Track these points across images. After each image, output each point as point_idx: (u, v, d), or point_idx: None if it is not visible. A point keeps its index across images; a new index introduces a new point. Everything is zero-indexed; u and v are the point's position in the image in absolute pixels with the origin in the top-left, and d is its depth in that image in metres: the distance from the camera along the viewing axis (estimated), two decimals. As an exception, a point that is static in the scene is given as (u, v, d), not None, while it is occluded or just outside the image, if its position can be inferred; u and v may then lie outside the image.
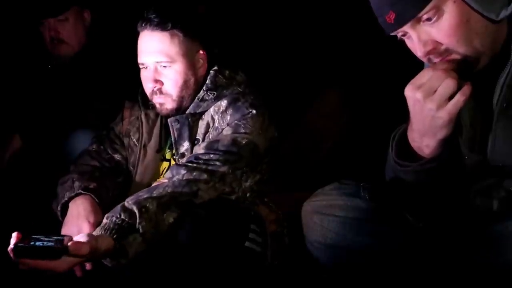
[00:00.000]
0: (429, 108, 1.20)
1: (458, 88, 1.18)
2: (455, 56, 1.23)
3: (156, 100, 1.74)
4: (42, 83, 2.30)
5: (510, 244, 1.20)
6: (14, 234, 1.34)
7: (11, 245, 1.32)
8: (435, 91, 1.19)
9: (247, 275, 1.60)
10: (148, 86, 1.73)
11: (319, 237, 1.43)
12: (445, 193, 1.32)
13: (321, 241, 1.43)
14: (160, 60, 1.69)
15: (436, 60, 1.25)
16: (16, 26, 2.39)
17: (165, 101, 1.73)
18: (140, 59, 1.72)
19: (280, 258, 1.68)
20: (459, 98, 1.18)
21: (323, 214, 1.43)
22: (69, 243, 1.34)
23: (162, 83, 1.71)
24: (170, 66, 1.69)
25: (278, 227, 1.72)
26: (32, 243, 1.32)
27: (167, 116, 1.75)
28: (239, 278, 1.58)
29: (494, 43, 1.24)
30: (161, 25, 1.67)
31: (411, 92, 1.22)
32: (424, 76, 1.21)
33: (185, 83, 1.72)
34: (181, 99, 1.73)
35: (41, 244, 1.32)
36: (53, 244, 1.32)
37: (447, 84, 1.18)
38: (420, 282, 1.34)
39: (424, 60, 1.28)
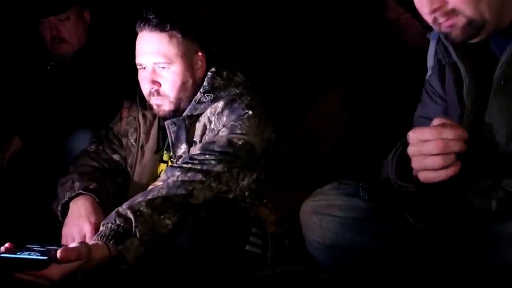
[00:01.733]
0: (412, 164, 1.18)
1: (446, 165, 1.14)
2: (460, 19, 1.22)
3: (154, 101, 1.72)
4: (41, 83, 2.30)
5: (509, 244, 1.20)
6: (6, 244, 1.33)
7: None
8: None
9: (247, 278, 1.60)
10: (145, 87, 1.72)
11: (318, 237, 1.43)
12: (444, 196, 1.31)
13: (320, 241, 1.43)
14: (158, 61, 1.68)
15: (441, 20, 1.24)
16: (16, 26, 2.40)
17: (163, 103, 1.71)
18: (138, 60, 1.71)
19: (280, 259, 1.67)
20: (439, 175, 1.15)
21: (322, 214, 1.43)
22: (58, 250, 1.31)
23: (159, 84, 1.70)
24: (168, 67, 1.68)
25: (278, 228, 1.72)
26: (18, 254, 1.29)
27: (165, 117, 1.74)
28: (240, 281, 1.58)
29: (500, 13, 1.24)
30: (160, 26, 1.66)
31: (410, 139, 1.18)
32: (430, 134, 1.15)
33: (183, 84, 1.71)
34: (178, 100, 1.72)
35: (26, 256, 1.28)
36: (39, 254, 1.29)
37: (434, 161, 1.14)
38: (419, 282, 1.33)
39: (429, 20, 1.26)
